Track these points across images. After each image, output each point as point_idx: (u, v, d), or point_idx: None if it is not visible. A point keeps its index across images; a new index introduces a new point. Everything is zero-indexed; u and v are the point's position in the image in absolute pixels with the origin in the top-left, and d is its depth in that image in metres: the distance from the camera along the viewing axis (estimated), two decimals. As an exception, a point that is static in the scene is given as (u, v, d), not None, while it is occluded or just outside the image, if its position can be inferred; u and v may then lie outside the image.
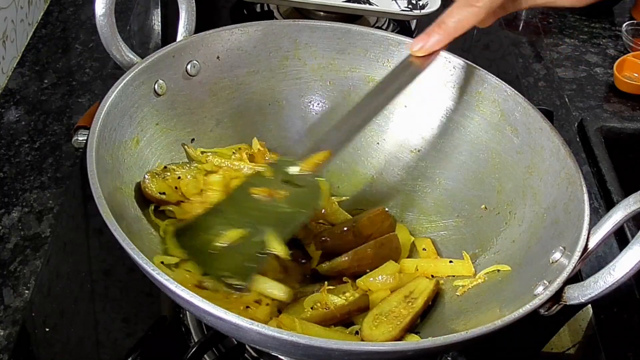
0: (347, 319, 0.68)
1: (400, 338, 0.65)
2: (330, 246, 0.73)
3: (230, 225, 0.65)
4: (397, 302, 0.68)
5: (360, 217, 0.76)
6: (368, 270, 0.71)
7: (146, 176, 0.70)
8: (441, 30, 0.68)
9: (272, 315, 0.65)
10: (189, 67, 0.76)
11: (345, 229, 0.74)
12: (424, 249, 0.76)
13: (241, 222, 0.65)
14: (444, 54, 0.79)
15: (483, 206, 0.76)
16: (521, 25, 1.30)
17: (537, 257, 0.65)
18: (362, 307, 0.68)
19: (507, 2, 0.68)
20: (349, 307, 0.67)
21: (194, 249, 0.65)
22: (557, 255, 0.62)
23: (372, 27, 1.16)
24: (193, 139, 0.78)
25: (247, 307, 0.65)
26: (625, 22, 1.23)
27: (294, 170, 0.69)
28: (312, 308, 0.67)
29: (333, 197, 0.81)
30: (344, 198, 0.82)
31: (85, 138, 0.84)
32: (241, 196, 0.68)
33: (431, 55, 0.72)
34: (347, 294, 0.68)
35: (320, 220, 0.77)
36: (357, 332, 0.66)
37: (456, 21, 0.67)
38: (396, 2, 1.17)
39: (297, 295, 0.68)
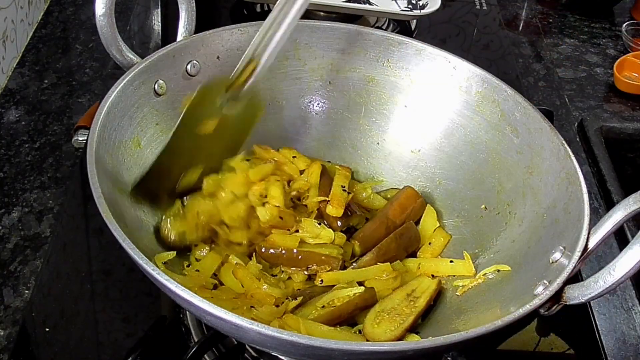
0: (353, 317, 0.68)
1: (401, 338, 0.65)
2: (369, 242, 0.75)
3: (187, 167, 0.72)
4: (400, 300, 0.69)
5: (390, 207, 0.77)
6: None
7: (168, 220, 0.71)
8: None
9: (275, 316, 0.65)
10: (189, 67, 0.76)
11: (378, 224, 0.76)
12: (429, 244, 0.77)
13: (197, 160, 0.72)
14: (443, 54, 0.79)
15: (483, 206, 0.76)
16: (521, 25, 1.30)
17: (537, 257, 0.65)
18: (369, 302, 0.68)
19: None
20: (355, 302, 0.67)
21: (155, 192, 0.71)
22: (557, 255, 0.62)
23: (372, 27, 1.16)
24: None
25: (252, 306, 0.65)
26: (625, 22, 1.23)
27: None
28: (322, 307, 0.67)
29: (368, 183, 0.83)
30: (382, 181, 0.84)
31: (85, 138, 0.84)
32: (189, 134, 0.72)
33: None
34: (354, 289, 0.68)
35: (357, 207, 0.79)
36: (360, 332, 0.66)
37: None
38: (396, 2, 1.17)
39: (310, 295, 0.69)
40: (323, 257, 0.71)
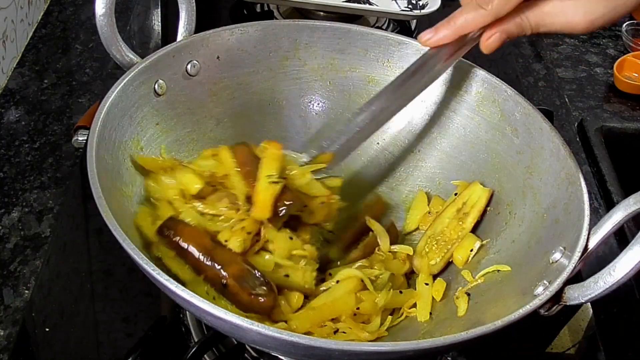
0: None
1: (443, 269, 0.72)
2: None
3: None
4: (449, 219, 0.74)
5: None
6: None
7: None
8: (449, 26, 0.70)
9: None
10: (189, 67, 0.76)
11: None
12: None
13: None
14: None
15: (487, 207, 0.75)
16: (521, 25, 1.30)
17: (537, 257, 0.65)
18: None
19: (512, 25, 0.69)
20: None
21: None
22: (557, 255, 0.62)
23: (372, 27, 1.16)
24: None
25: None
26: (625, 22, 1.23)
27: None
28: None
29: (308, 167, 0.72)
30: (320, 166, 0.72)
31: (85, 138, 0.84)
32: None
33: (444, 61, 0.73)
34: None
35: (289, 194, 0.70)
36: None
37: (464, 20, 0.69)
38: (396, 2, 1.17)
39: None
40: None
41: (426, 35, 0.72)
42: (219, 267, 0.60)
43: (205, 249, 0.62)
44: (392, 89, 0.73)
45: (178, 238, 0.62)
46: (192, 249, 0.62)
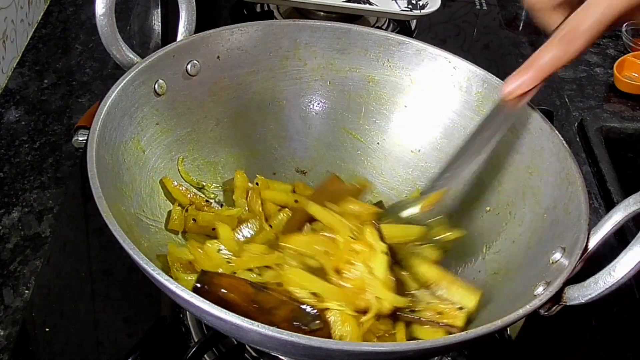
0: None
1: None
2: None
3: None
4: None
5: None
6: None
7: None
8: (532, 67, 0.62)
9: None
10: (189, 67, 0.76)
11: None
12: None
13: None
14: (444, 54, 0.79)
15: (488, 208, 0.75)
16: (521, 25, 1.30)
17: (537, 257, 0.65)
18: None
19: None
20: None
21: None
22: (557, 255, 0.62)
23: (372, 27, 1.16)
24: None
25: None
26: (625, 22, 1.23)
27: (412, 211, 0.72)
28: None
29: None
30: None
31: (85, 138, 0.84)
32: None
33: (523, 98, 0.66)
34: None
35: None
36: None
37: (550, 58, 0.62)
38: (396, 2, 1.17)
39: None
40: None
41: (510, 85, 0.64)
42: (268, 313, 0.59)
43: (248, 297, 0.60)
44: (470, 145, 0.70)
45: (218, 292, 0.60)
46: (236, 301, 0.60)
